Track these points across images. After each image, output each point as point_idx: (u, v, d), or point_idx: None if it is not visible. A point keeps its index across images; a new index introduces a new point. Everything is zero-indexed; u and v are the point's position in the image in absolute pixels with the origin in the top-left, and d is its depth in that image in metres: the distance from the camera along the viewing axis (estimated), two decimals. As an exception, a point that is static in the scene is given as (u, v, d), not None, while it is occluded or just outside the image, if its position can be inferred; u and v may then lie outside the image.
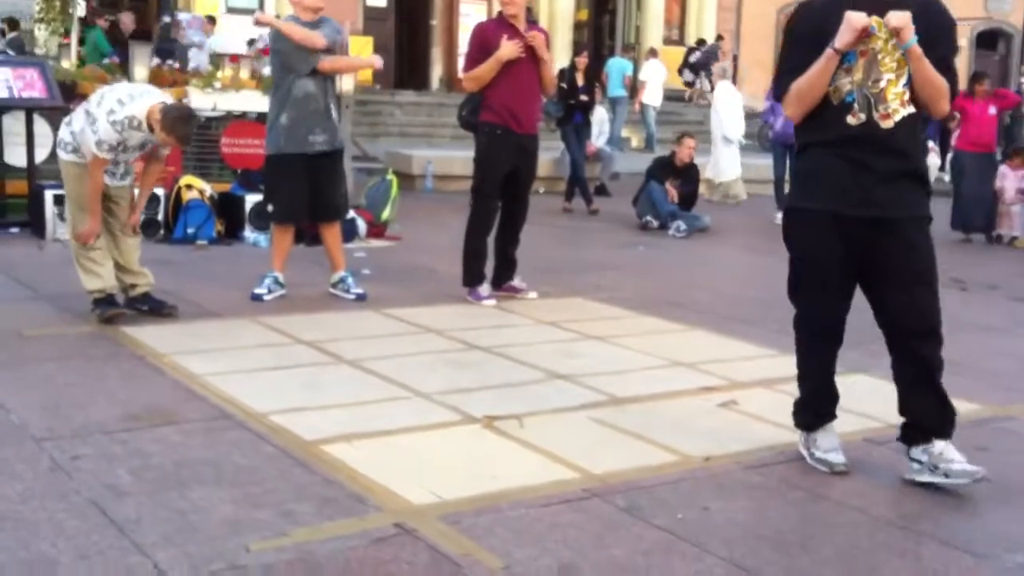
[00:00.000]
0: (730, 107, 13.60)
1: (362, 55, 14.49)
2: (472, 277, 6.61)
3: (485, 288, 6.61)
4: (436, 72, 21.94)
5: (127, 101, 5.36)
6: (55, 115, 8.26)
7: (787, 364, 5.34)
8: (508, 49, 6.25)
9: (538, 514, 3.34)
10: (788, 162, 11.91)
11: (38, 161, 8.58)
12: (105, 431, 3.91)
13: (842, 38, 3.53)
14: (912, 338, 3.75)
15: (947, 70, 3.64)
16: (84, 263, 5.56)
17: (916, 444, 3.79)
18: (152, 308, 5.76)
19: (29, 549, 2.92)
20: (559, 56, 15.89)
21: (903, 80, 3.62)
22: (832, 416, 3.99)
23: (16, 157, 8.65)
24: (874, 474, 3.88)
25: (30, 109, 8.58)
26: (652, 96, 19.25)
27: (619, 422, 4.31)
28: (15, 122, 8.60)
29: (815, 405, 3.99)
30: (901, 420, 3.86)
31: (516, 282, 6.80)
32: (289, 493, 3.41)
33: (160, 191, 8.62)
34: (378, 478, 3.56)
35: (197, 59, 11.61)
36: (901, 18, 3.51)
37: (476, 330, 5.83)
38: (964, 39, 27.89)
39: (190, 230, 8.44)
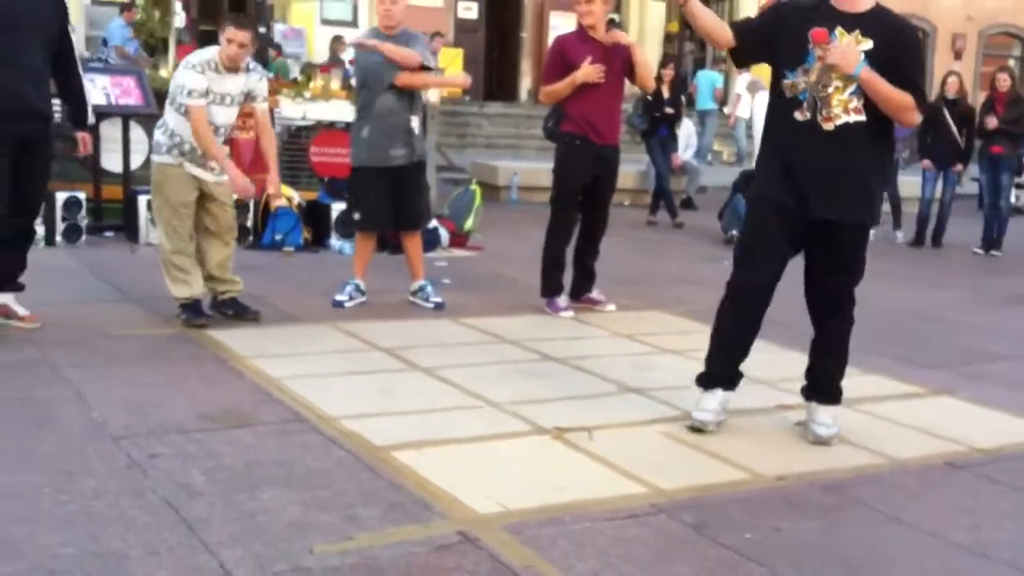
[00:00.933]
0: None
1: (451, 68, 14.66)
2: (550, 288, 6.61)
3: (563, 299, 6.60)
4: (525, 84, 22.01)
5: (197, 55, 5.71)
6: (150, 122, 8.47)
7: (868, 384, 5.27)
8: (585, 72, 6.22)
9: (603, 528, 3.32)
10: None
11: (133, 167, 8.82)
12: (182, 431, 3.99)
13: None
14: (828, 316, 4.31)
15: (913, 87, 3.98)
16: (172, 272, 5.68)
17: (807, 399, 4.37)
18: (237, 312, 5.87)
19: (100, 543, 2.99)
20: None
21: (850, 90, 3.97)
22: (725, 385, 4.35)
23: (112, 163, 8.90)
24: (952, 498, 3.77)
25: (126, 116, 8.83)
26: (744, 109, 19.03)
27: (690, 438, 4.26)
28: (112, 128, 8.85)
29: (713, 369, 4.35)
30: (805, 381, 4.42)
31: (595, 294, 6.77)
32: (356, 497, 3.44)
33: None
34: (445, 486, 3.57)
35: (292, 70, 11.86)
36: (835, 55, 3.90)
37: (551, 341, 5.82)
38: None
39: (278, 236, 8.58)
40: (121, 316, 5.86)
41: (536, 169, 13.72)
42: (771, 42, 4.14)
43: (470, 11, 21.37)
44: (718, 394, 4.33)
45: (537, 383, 4.96)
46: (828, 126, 3.99)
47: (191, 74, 5.55)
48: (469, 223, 9.41)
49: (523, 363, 5.34)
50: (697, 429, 4.28)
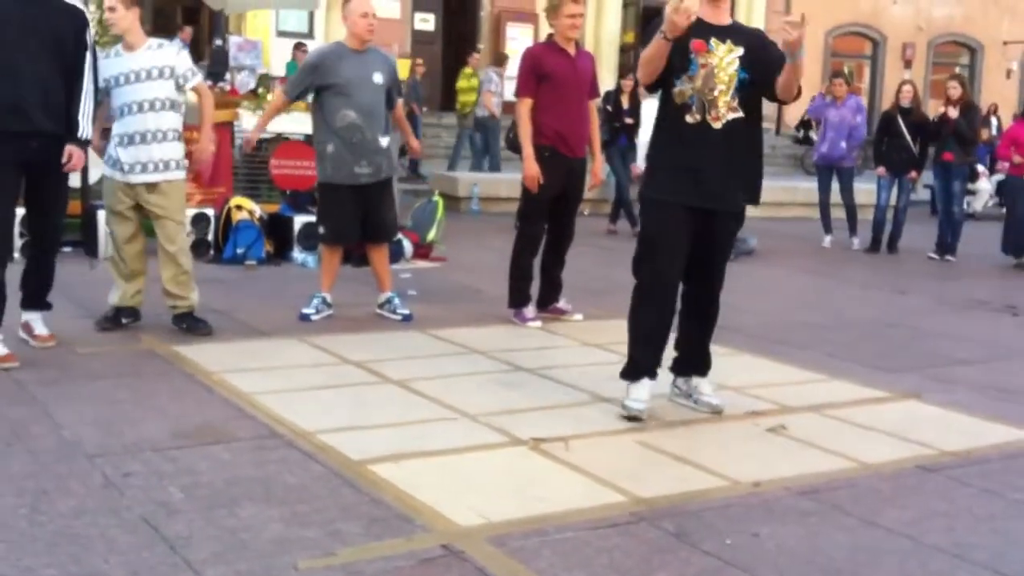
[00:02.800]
0: None
1: (401, 75, 14.67)
2: (518, 298, 6.62)
3: (531, 310, 6.62)
4: (482, 95, 22.00)
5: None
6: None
7: (836, 389, 5.33)
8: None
9: (585, 537, 3.33)
10: (835, 185, 11.87)
11: (92, 181, 8.71)
12: (156, 448, 3.95)
13: (669, 27, 4.21)
14: (710, 302, 4.76)
15: (780, 61, 4.41)
16: (113, 273, 5.89)
17: (682, 376, 4.86)
18: (189, 327, 5.84)
19: (81, 564, 2.95)
20: (605, 79, 15.88)
21: (731, 91, 4.46)
22: (651, 375, 4.66)
23: (71, 178, 8.78)
24: (926, 501, 3.82)
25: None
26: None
27: (666, 445, 4.28)
28: (70, 143, 8.74)
29: (640, 361, 4.65)
30: (675, 354, 4.87)
31: (562, 304, 6.80)
32: (337, 512, 3.42)
33: (210, 211, 8.74)
34: (425, 499, 3.56)
35: (247, 82, 11.75)
36: (796, 39, 4.22)
37: (521, 351, 5.83)
38: (1015, 63, 27.63)
39: (239, 250, 8.52)
40: (85, 333, 5.78)
41: (496, 180, 13.77)
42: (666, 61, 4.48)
43: (427, 23, 21.38)
44: (647, 384, 4.65)
45: (510, 393, 4.97)
46: (717, 124, 4.47)
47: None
48: (432, 234, 9.40)
49: (495, 374, 5.35)
50: (633, 418, 4.55)
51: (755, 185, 4.67)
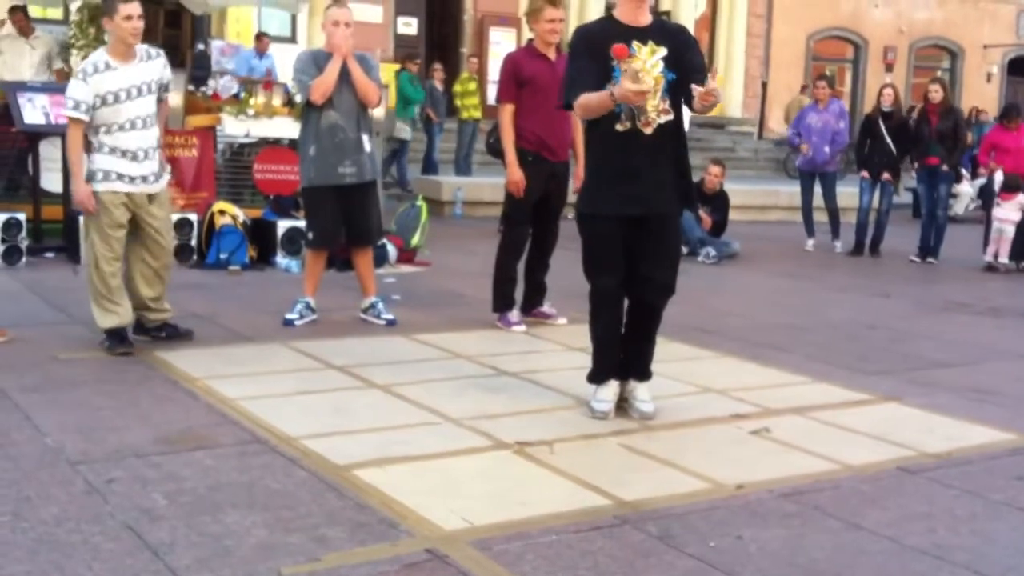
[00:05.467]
0: None
1: (394, 84, 14.65)
2: (502, 303, 6.63)
3: (515, 314, 6.63)
4: (466, 99, 22.00)
5: (82, 64, 5.57)
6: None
7: (818, 391, 5.36)
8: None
9: (569, 540, 3.34)
10: (818, 189, 11.93)
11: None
12: (139, 455, 3.94)
13: (620, 92, 4.16)
14: (654, 304, 4.66)
15: (700, 70, 4.39)
16: (102, 303, 5.50)
17: (620, 378, 4.76)
18: (169, 335, 5.79)
19: (64, 572, 2.94)
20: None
21: (659, 94, 4.34)
22: (614, 375, 4.73)
23: (52, 183, 8.77)
24: (908, 503, 3.84)
25: (66, 135, 8.68)
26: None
27: (650, 449, 4.30)
28: (52, 148, 8.72)
29: (601, 365, 4.74)
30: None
31: (545, 308, 6.81)
32: (321, 518, 3.42)
33: (193, 216, 8.72)
34: (409, 503, 3.56)
35: (230, 86, 11.75)
36: (629, 87, 4.13)
37: (506, 356, 5.84)
38: (995, 66, 27.81)
39: (223, 255, 8.50)
40: (67, 339, 5.76)
41: (480, 184, 13.77)
42: (597, 72, 4.39)
43: (410, 27, 21.35)
44: (612, 385, 4.74)
45: (494, 398, 4.97)
46: (648, 130, 4.40)
47: (75, 84, 5.43)
48: (416, 239, 9.40)
49: (479, 378, 5.35)
50: (600, 418, 4.66)
51: (687, 187, 4.64)
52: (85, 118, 5.43)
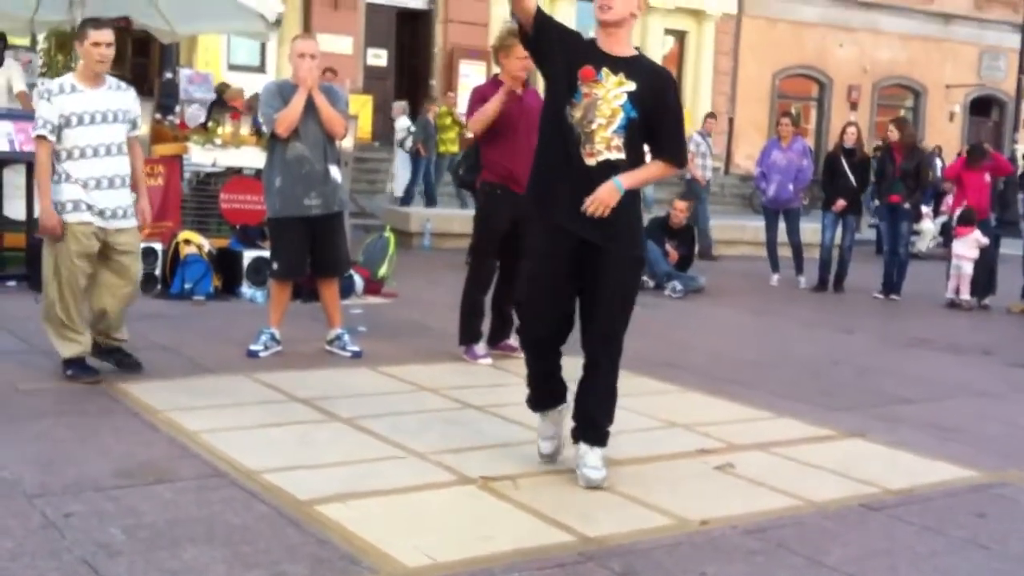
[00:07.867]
0: None
1: (363, 114, 14.67)
2: (469, 335, 6.62)
3: (481, 347, 6.62)
4: (435, 131, 22.07)
5: (47, 84, 5.59)
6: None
7: (781, 427, 5.38)
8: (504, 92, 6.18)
9: (533, 577, 3.32)
10: (781, 225, 12.05)
11: (36, 214, 8.59)
12: (98, 488, 3.88)
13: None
14: (593, 358, 4.24)
15: (671, 140, 4.24)
16: (63, 332, 5.45)
17: (573, 438, 4.33)
18: (118, 362, 5.72)
19: (18, 608, 2.90)
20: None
21: (613, 128, 4.08)
22: (552, 406, 4.41)
23: (15, 210, 8.68)
24: (870, 540, 3.86)
25: (30, 163, 8.59)
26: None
27: (614, 484, 4.28)
28: (15, 175, 8.64)
29: (537, 395, 4.44)
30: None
31: (512, 341, 6.79)
32: (282, 553, 3.38)
33: (158, 246, 8.65)
34: (372, 539, 3.53)
35: (198, 115, 11.72)
36: (595, 205, 4.05)
37: (472, 388, 5.82)
38: (958, 105, 28.26)
39: (187, 285, 8.43)
40: (28, 369, 5.69)
41: (449, 216, 13.78)
42: (553, 48, 4.16)
43: (379, 58, 21.43)
44: (551, 415, 4.45)
45: (459, 431, 4.95)
46: (590, 161, 4.11)
47: (40, 104, 5.41)
48: (383, 270, 9.38)
49: (444, 411, 5.33)
50: (545, 461, 4.48)
51: (627, 234, 4.22)
52: (51, 138, 5.39)
